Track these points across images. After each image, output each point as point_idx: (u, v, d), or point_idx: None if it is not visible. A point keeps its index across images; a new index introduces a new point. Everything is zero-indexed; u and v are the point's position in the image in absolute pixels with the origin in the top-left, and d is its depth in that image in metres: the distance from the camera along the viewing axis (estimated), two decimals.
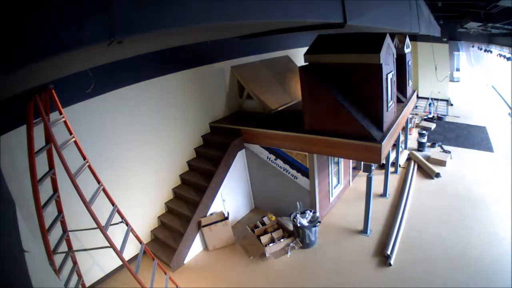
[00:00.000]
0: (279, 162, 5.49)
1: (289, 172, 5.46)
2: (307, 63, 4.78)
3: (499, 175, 6.73)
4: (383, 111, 4.46)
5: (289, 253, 4.93)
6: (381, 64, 4.16)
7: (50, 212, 3.26)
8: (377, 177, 6.43)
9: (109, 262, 4.65)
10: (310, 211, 5.18)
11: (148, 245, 4.96)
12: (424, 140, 8.34)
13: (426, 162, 7.34)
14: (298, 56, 8.03)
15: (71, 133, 3.27)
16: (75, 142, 3.28)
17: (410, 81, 7.16)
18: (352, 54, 4.36)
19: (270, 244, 5.02)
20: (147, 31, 0.97)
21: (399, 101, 6.18)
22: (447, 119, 11.11)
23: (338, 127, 4.53)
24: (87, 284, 4.33)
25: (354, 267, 4.55)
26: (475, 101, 13.29)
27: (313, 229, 4.96)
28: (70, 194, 3.03)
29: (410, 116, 9.39)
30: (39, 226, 2.93)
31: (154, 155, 5.17)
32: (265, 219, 5.52)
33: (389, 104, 4.76)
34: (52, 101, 3.06)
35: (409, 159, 7.81)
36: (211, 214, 5.21)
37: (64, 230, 3.56)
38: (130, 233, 3.60)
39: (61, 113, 3.16)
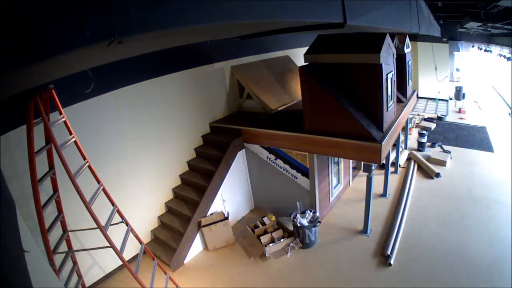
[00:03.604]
0: (279, 162, 5.49)
1: (289, 172, 5.46)
2: (307, 63, 4.78)
3: (499, 175, 6.73)
4: (383, 111, 4.46)
5: (289, 253, 4.93)
6: (381, 64, 4.16)
7: (50, 212, 3.27)
8: (377, 177, 6.44)
9: (109, 262, 4.65)
10: (310, 211, 5.18)
11: (148, 245, 4.96)
12: (424, 140, 8.34)
13: (426, 162, 7.34)
14: (298, 56, 8.03)
15: (71, 133, 3.27)
16: (75, 142, 3.28)
17: (410, 81, 7.16)
18: (352, 54, 4.36)
19: (270, 244, 5.02)
20: (147, 31, 0.97)
21: (399, 101, 6.18)
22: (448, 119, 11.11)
23: (338, 127, 4.53)
24: (87, 284, 4.33)
25: (354, 267, 4.55)
26: (475, 100, 13.29)
27: (313, 229, 4.96)
28: (70, 194, 3.04)
29: (410, 116, 9.39)
30: (39, 226, 2.93)
31: (154, 155, 5.17)
32: (265, 219, 5.52)
33: (389, 104, 4.76)
34: (52, 101, 3.06)
35: (409, 159, 7.81)
36: (211, 214, 5.21)
37: (64, 230, 3.56)
38: (130, 233, 3.60)
39: (61, 113, 3.16)
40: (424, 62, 13.58)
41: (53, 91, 3.03)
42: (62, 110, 3.17)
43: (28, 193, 3.03)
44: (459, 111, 11.87)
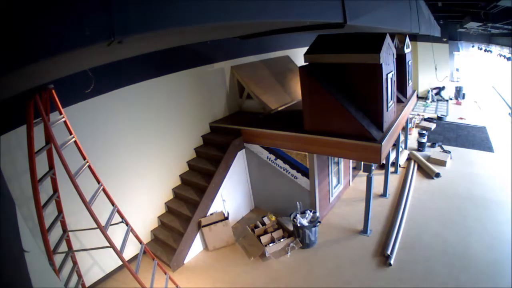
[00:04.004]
0: (279, 162, 5.49)
1: (289, 172, 5.46)
2: (307, 63, 4.78)
3: (499, 175, 6.73)
4: (383, 111, 4.46)
5: (289, 253, 4.93)
6: (381, 64, 4.16)
7: (50, 212, 3.27)
8: (377, 177, 6.44)
9: (109, 262, 4.66)
10: (310, 211, 5.18)
11: (148, 245, 4.96)
12: (424, 140, 8.34)
13: (426, 162, 7.34)
14: (298, 56, 8.03)
15: (71, 133, 3.27)
16: (75, 142, 3.28)
17: (410, 81, 7.16)
18: (352, 54, 4.36)
19: (270, 244, 5.02)
20: (147, 31, 0.98)
21: (399, 101, 6.18)
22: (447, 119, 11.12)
23: (338, 127, 4.53)
24: (87, 284, 4.33)
25: (354, 267, 4.55)
26: (475, 100, 13.30)
27: (313, 229, 4.96)
28: (70, 194, 3.04)
29: (410, 116, 9.39)
30: (39, 226, 2.93)
31: (154, 155, 5.17)
32: (265, 219, 5.52)
33: (389, 104, 4.76)
34: (52, 101, 3.06)
35: (409, 159, 7.81)
36: (211, 214, 5.21)
37: (64, 230, 3.56)
38: (130, 233, 3.60)
39: (61, 113, 3.16)
40: (424, 62, 13.59)
41: (53, 91, 3.03)
42: (62, 110, 3.17)
43: (28, 193, 3.04)
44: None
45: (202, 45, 5.41)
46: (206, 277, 4.64)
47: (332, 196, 5.99)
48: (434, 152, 8.01)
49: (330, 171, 5.72)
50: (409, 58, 6.89)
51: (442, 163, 7.39)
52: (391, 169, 7.02)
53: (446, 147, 8.35)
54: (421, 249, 4.73)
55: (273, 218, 5.53)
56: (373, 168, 4.71)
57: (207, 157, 5.74)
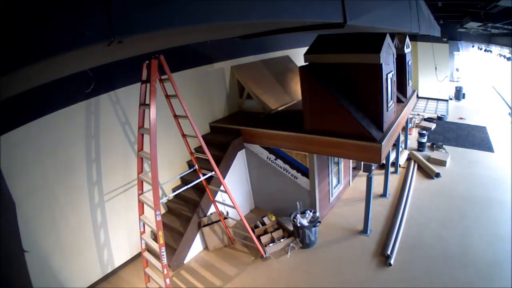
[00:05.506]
0: (279, 162, 5.49)
1: (289, 172, 5.46)
2: (307, 63, 4.78)
3: (499, 175, 6.73)
4: (383, 111, 4.46)
5: (289, 253, 4.93)
6: (381, 64, 4.16)
7: None
8: (377, 177, 6.44)
9: (109, 262, 4.65)
10: (310, 211, 5.18)
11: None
12: (424, 140, 8.34)
13: (426, 162, 7.34)
14: (298, 56, 8.03)
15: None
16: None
17: (410, 81, 7.16)
18: (352, 54, 4.36)
19: (270, 244, 5.02)
20: (147, 31, 0.97)
21: (399, 101, 6.17)
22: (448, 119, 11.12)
23: (338, 127, 4.53)
24: (87, 284, 4.32)
25: (354, 267, 4.55)
26: (475, 101, 13.31)
27: (313, 229, 4.96)
28: None
29: (410, 116, 9.39)
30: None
31: None
32: (265, 219, 5.52)
33: (389, 104, 4.76)
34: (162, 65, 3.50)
35: (409, 159, 7.82)
36: (211, 214, 5.21)
37: None
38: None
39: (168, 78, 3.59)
40: (424, 62, 13.58)
41: (161, 57, 3.50)
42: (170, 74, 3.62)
43: (31, 194, 3.02)
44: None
45: (202, 45, 5.41)
46: (206, 277, 4.64)
47: (332, 196, 5.99)
48: (434, 152, 8.01)
49: (330, 171, 5.72)
50: (409, 58, 6.89)
51: (442, 163, 7.39)
52: (391, 169, 7.02)
53: (445, 147, 8.34)
54: (421, 249, 4.73)
55: (273, 218, 5.53)
56: (373, 168, 4.71)
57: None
